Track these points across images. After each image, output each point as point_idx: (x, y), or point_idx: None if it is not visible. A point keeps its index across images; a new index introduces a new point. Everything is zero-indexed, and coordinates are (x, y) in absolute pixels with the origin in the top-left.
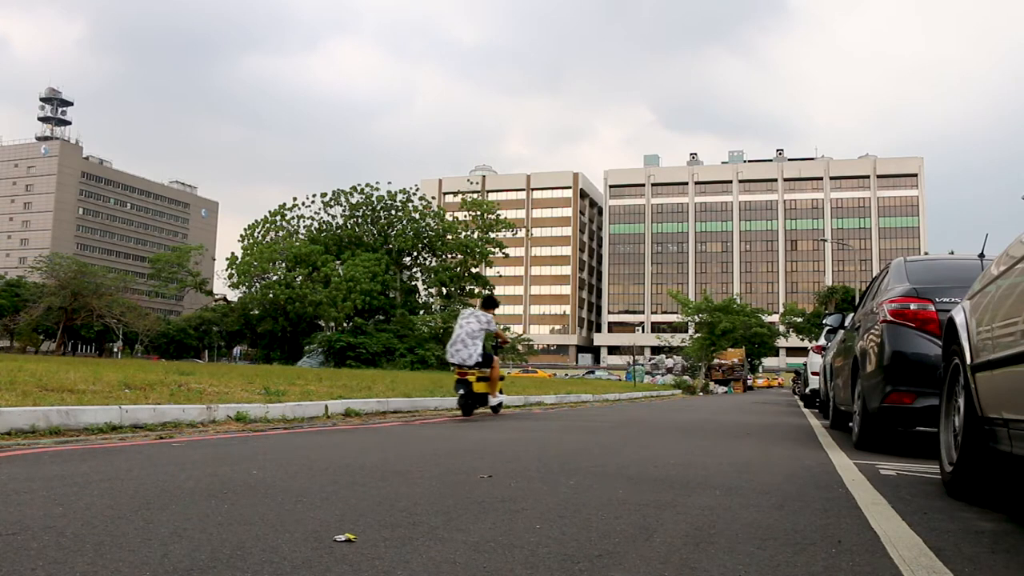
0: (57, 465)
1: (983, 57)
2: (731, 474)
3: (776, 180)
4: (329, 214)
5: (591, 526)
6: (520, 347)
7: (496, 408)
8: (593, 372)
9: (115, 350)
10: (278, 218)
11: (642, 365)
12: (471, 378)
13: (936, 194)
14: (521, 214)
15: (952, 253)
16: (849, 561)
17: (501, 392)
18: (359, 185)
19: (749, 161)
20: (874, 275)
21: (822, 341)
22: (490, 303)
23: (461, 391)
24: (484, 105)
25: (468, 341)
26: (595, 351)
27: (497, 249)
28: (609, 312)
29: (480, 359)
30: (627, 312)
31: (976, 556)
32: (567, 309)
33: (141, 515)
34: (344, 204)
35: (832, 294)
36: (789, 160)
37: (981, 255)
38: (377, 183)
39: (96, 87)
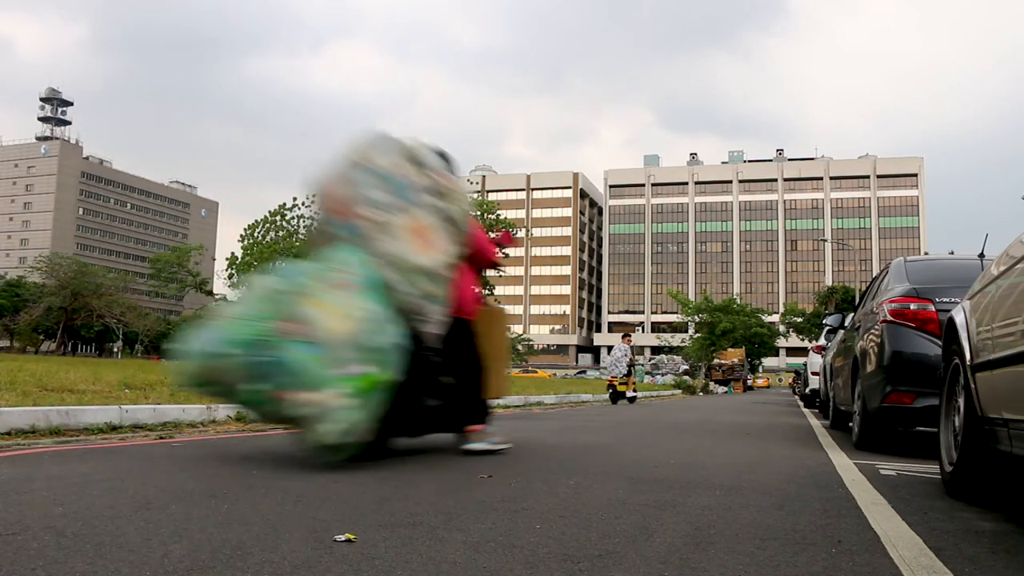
0: (57, 465)
1: (983, 57)
2: (731, 474)
3: (776, 180)
4: None
5: (591, 526)
6: (520, 347)
7: (632, 399)
8: (584, 372)
9: (115, 350)
10: (278, 218)
11: (642, 365)
12: (616, 383)
13: (936, 194)
14: (521, 214)
15: (952, 253)
16: (849, 561)
17: (635, 391)
18: None
19: (749, 161)
20: (874, 275)
21: (822, 341)
22: (625, 336)
23: (611, 390)
24: (485, 106)
25: (619, 363)
26: (595, 351)
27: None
28: (609, 312)
29: (626, 372)
30: (627, 312)
31: (976, 556)
32: (567, 309)
33: (141, 515)
34: None
35: (832, 294)
36: (789, 160)
37: (981, 255)
38: None
39: (96, 87)
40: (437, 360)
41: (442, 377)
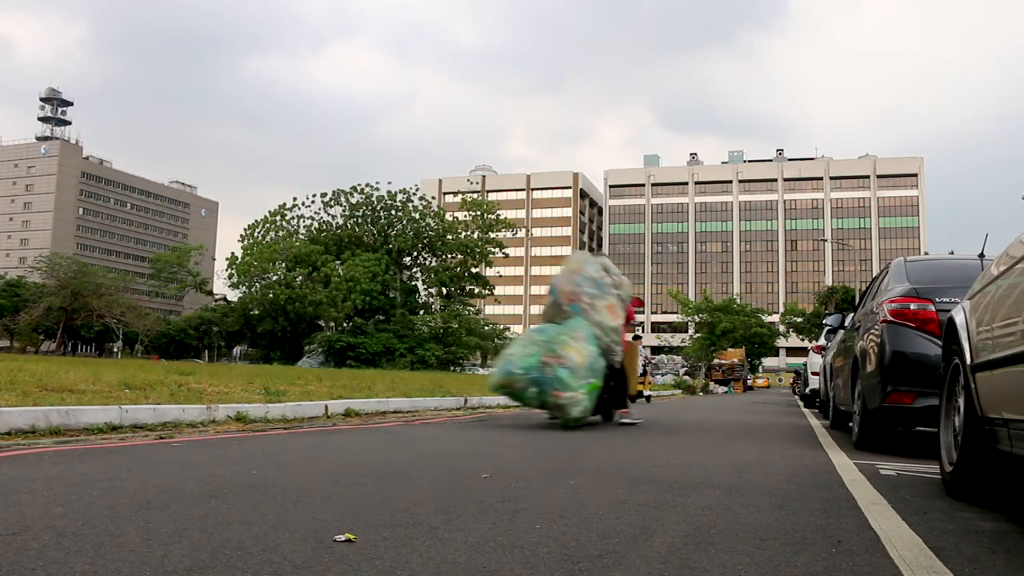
0: (57, 465)
1: (983, 57)
2: (731, 474)
3: (776, 180)
4: (329, 214)
5: (591, 526)
6: None
7: (648, 399)
8: None
9: (115, 350)
10: (278, 218)
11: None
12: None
13: (936, 194)
14: (521, 214)
15: (952, 253)
16: (849, 561)
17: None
18: (359, 185)
19: (749, 161)
20: (874, 275)
21: (822, 341)
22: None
23: None
24: (485, 106)
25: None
26: None
27: (497, 249)
28: None
29: (642, 371)
30: None
31: (976, 556)
32: None
33: (141, 515)
34: (344, 204)
35: (832, 294)
36: (789, 160)
37: (981, 255)
38: (377, 183)
39: (96, 87)
40: (608, 373)
41: (610, 382)
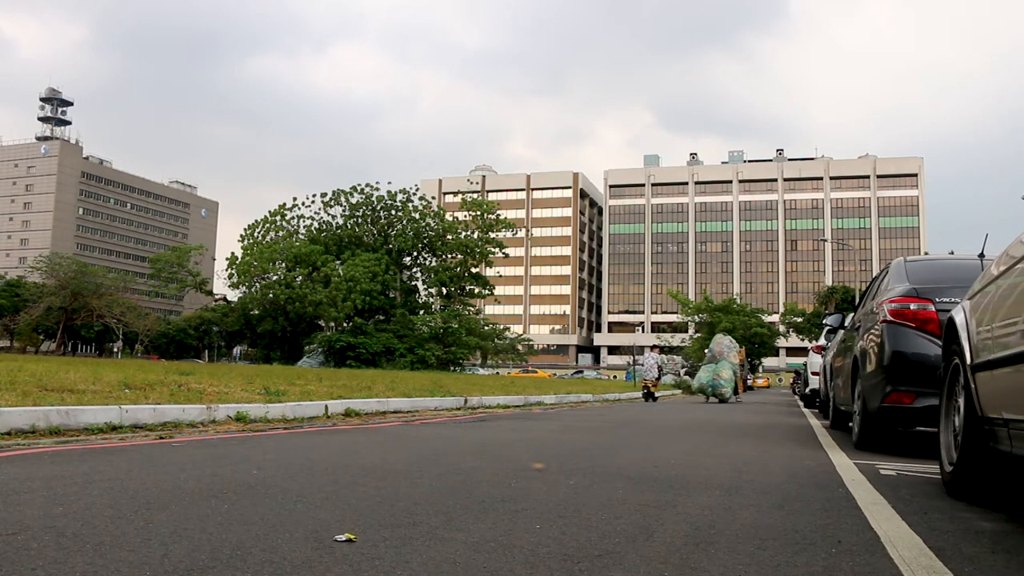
0: (57, 465)
1: (983, 57)
2: (731, 474)
3: (776, 180)
4: (329, 214)
5: (591, 526)
6: (520, 347)
7: (655, 399)
8: (581, 372)
9: (115, 350)
10: (278, 218)
11: (642, 365)
12: (650, 384)
13: (936, 194)
14: (521, 214)
15: (952, 253)
16: (849, 561)
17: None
18: (359, 185)
19: (749, 161)
20: (874, 275)
21: (822, 341)
22: (654, 347)
23: (645, 391)
24: (486, 107)
25: (651, 369)
26: (595, 351)
27: (497, 249)
28: (609, 312)
29: (657, 376)
30: (627, 312)
31: (976, 556)
32: (567, 309)
33: (141, 515)
34: (344, 204)
35: (832, 294)
36: (789, 160)
37: (981, 255)
38: (377, 183)
39: (96, 87)
40: (735, 377)
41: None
